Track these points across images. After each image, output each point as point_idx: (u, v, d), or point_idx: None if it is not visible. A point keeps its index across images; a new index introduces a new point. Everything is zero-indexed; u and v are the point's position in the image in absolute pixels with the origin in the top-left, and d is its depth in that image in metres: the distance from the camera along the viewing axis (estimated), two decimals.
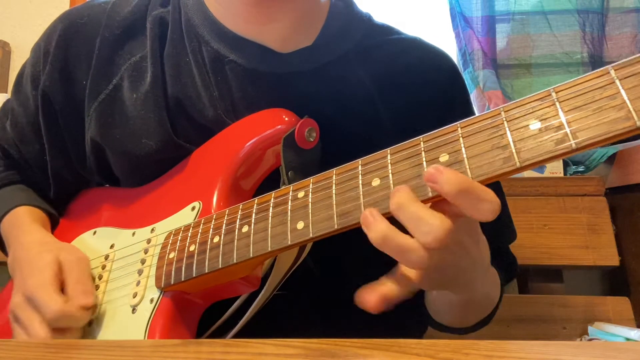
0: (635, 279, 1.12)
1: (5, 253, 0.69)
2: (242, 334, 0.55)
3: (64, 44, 0.64)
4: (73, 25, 0.64)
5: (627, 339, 0.93)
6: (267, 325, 0.56)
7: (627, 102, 0.32)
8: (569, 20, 1.41)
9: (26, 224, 0.65)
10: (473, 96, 1.40)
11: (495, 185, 0.42)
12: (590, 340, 1.00)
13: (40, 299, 0.52)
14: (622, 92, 0.32)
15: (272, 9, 0.59)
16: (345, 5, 0.66)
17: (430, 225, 0.35)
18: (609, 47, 1.39)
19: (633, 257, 1.12)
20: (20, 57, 1.62)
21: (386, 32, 0.67)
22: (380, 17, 0.69)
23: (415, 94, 0.62)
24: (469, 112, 0.68)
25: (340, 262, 0.62)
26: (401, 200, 0.37)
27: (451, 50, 1.52)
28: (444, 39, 1.55)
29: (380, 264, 0.62)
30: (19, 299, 0.54)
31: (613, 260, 1.09)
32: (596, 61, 1.38)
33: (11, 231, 0.65)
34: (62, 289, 0.54)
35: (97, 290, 0.57)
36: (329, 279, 0.61)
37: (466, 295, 0.51)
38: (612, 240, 1.10)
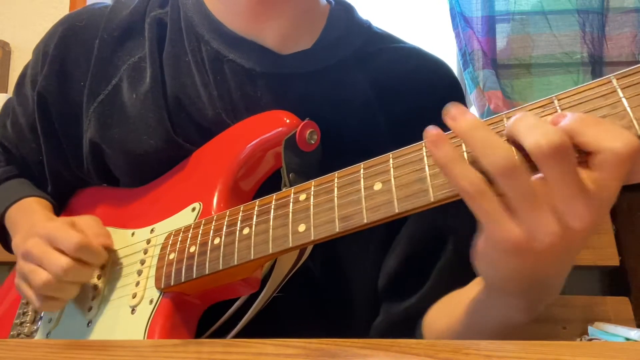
0: (635, 279, 1.12)
1: (5, 247, 0.71)
2: (242, 335, 0.55)
3: (62, 46, 0.64)
4: (72, 28, 0.65)
5: (627, 339, 0.93)
6: (266, 326, 0.56)
7: (629, 110, 0.32)
8: (569, 20, 1.41)
9: (37, 210, 0.66)
10: (473, 96, 1.39)
11: None
12: (590, 340, 1.00)
13: (60, 234, 0.52)
14: (624, 100, 0.32)
15: (275, 5, 0.59)
16: (345, 11, 0.66)
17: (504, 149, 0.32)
18: (609, 47, 1.39)
19: (633, 257, 1.12)
20: (20, 57, 1.61)
21: (386, 40, 0.67)
22: (380, 17, 0.69)
23: (413, 101, 0.62)
24: None
25: (340, 264, 0.62)
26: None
27: (451, 50, 1.52)
28: (444, 39, 1.55)
29: (381, 265, 0.62)
30: (34, 239, 0.54)
31: (613, 260, 1.09)
32: (596, 61, 1.38)
33: (21, 216, 0.66)
34: None
35: (95, 290, 0.57)
36: (328, 280, 0.61)
37: (526, 315, 0.42)
38: (612, 240, 1.10)
